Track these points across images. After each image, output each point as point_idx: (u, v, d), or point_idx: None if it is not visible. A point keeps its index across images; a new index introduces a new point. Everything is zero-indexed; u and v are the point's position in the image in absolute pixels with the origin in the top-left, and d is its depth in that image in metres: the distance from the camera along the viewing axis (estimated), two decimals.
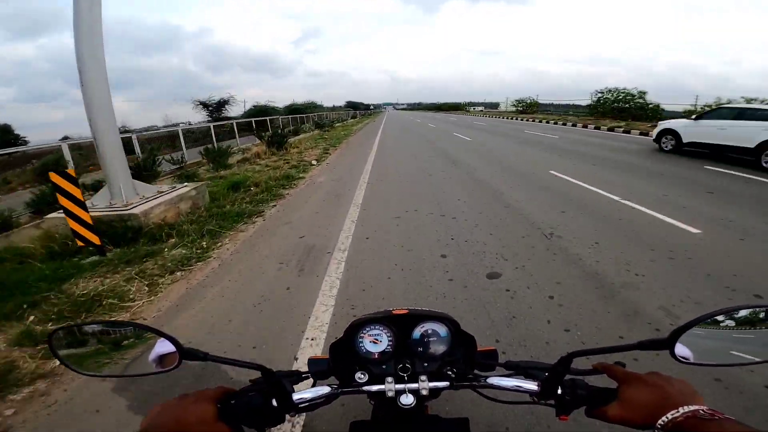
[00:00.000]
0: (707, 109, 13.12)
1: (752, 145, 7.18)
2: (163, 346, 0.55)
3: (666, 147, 9.42)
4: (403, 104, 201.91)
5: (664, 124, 9.81)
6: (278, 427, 0.60)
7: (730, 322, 0.52)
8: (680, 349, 0.52)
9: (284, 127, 18.85)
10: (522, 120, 27.94)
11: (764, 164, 6.97)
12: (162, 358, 0.56)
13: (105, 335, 0.58)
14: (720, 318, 0.52)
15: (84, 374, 0.57)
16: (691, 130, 8.74)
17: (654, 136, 9.98)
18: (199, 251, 3.65)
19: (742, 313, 0.52)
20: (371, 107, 65.68)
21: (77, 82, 3.84)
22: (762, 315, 0.52)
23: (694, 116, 9.25)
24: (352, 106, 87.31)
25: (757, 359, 0.52)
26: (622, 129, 15.47)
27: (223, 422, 0.53)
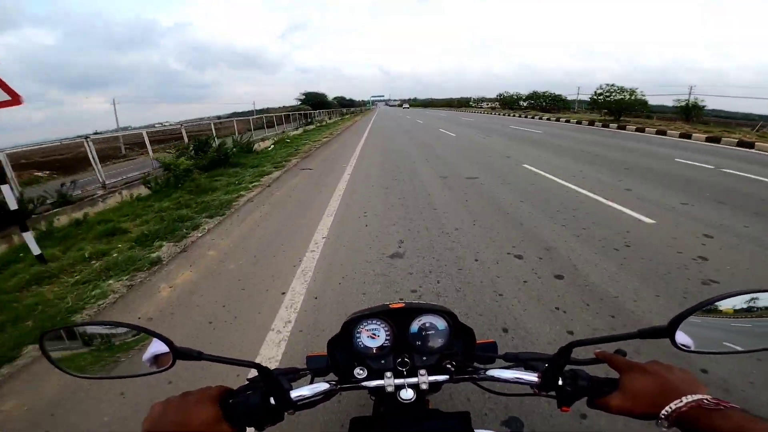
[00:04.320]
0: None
1: (407, 106, 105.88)
2: (157, 346, 0.54)
3: (404, 107, 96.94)
4: (396, 100, 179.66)
5: (404, 105, 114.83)
6: (278, 425, 0.59)
7: (731, 309, 0.52)
8: (680, 337, 0.51)
9: None
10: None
11: (404, 108, 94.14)
12: (156, 358, 0.55)
13: (97, 336, 0.57)
14: (720, 304, 0.51)
15: (76, 376, 0.56)
16: (406, 104, 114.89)
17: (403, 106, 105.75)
18: None
19: (743, 299, 0.51)
20: (309, 112, 28.70)
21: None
22: (763, 301, 0.51)
23: (405, 104, 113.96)
24: (314, 102, 54.10)
25: (758, 347, 0.52)
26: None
27: (227, 422, 0.53)
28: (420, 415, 0.67)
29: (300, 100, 61.42)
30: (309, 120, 26.11)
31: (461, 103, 73.82)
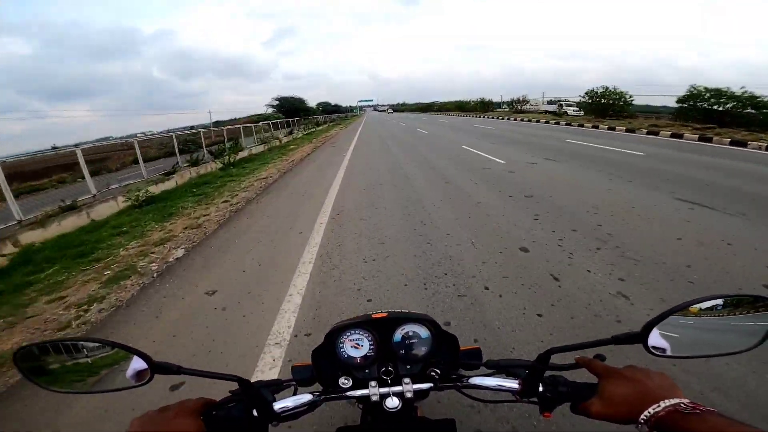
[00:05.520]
0: None
1: (391, 111, 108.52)
2: (137, 361, 0.53)
3: (388, 113, 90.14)
4: (385, 105, 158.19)
5: (389, 110, 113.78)
6: None
7: (706, 312, 0.52)
8: (656, 341, 0.51)
9: None
10: None
11: (388, 113, 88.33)
12: (139, 373, 0.55)
13: (74, 352, 0.56)
14: (695, 308, 0.51)
15: (53, 391, 0.55)
16: (391, 108, 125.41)
17: (387, 111, 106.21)
18: None
19: (718, 302, 0.52)
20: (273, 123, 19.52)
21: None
22: (738, 304, 0.52)
23: (390, 109, 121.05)
24: (288, 109, 45.21)
25: (733, 349, 0.52)
26: None
27: None
28: (406, 424, 0.67)
29: (272, 106, 49.15)
30: (219, 151, 11.31)
31: (486, 106, 43.38)
